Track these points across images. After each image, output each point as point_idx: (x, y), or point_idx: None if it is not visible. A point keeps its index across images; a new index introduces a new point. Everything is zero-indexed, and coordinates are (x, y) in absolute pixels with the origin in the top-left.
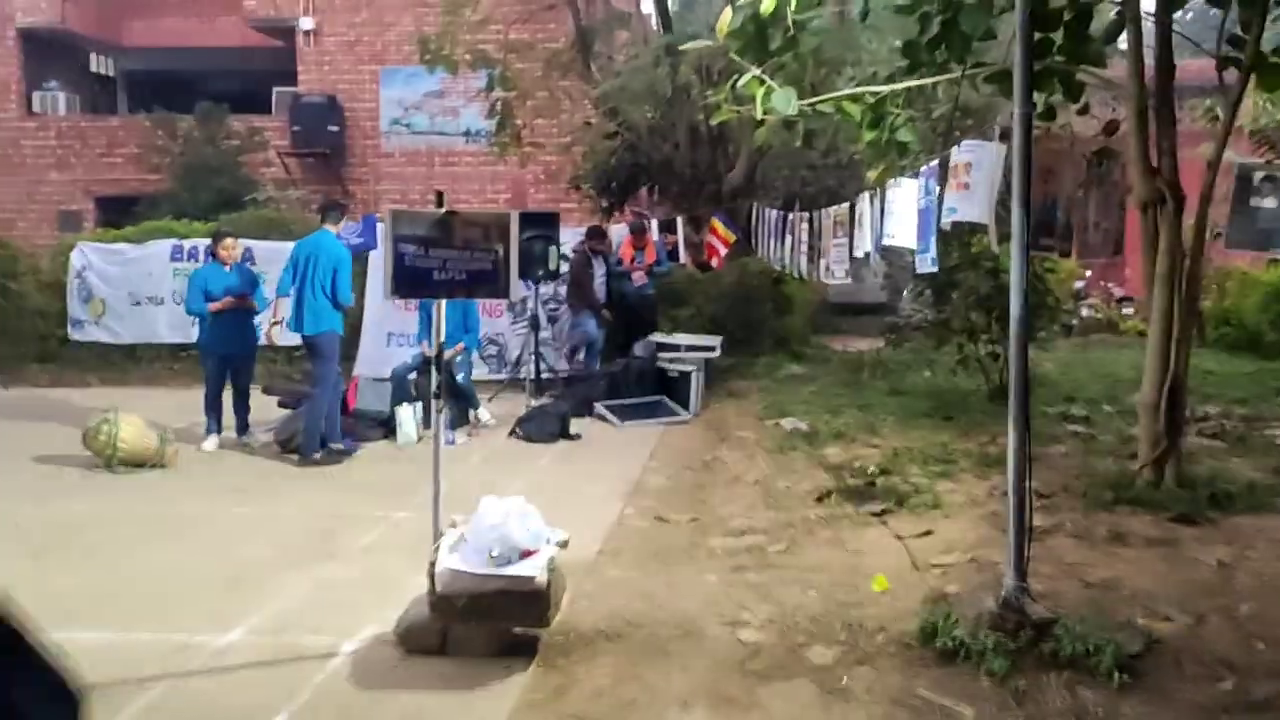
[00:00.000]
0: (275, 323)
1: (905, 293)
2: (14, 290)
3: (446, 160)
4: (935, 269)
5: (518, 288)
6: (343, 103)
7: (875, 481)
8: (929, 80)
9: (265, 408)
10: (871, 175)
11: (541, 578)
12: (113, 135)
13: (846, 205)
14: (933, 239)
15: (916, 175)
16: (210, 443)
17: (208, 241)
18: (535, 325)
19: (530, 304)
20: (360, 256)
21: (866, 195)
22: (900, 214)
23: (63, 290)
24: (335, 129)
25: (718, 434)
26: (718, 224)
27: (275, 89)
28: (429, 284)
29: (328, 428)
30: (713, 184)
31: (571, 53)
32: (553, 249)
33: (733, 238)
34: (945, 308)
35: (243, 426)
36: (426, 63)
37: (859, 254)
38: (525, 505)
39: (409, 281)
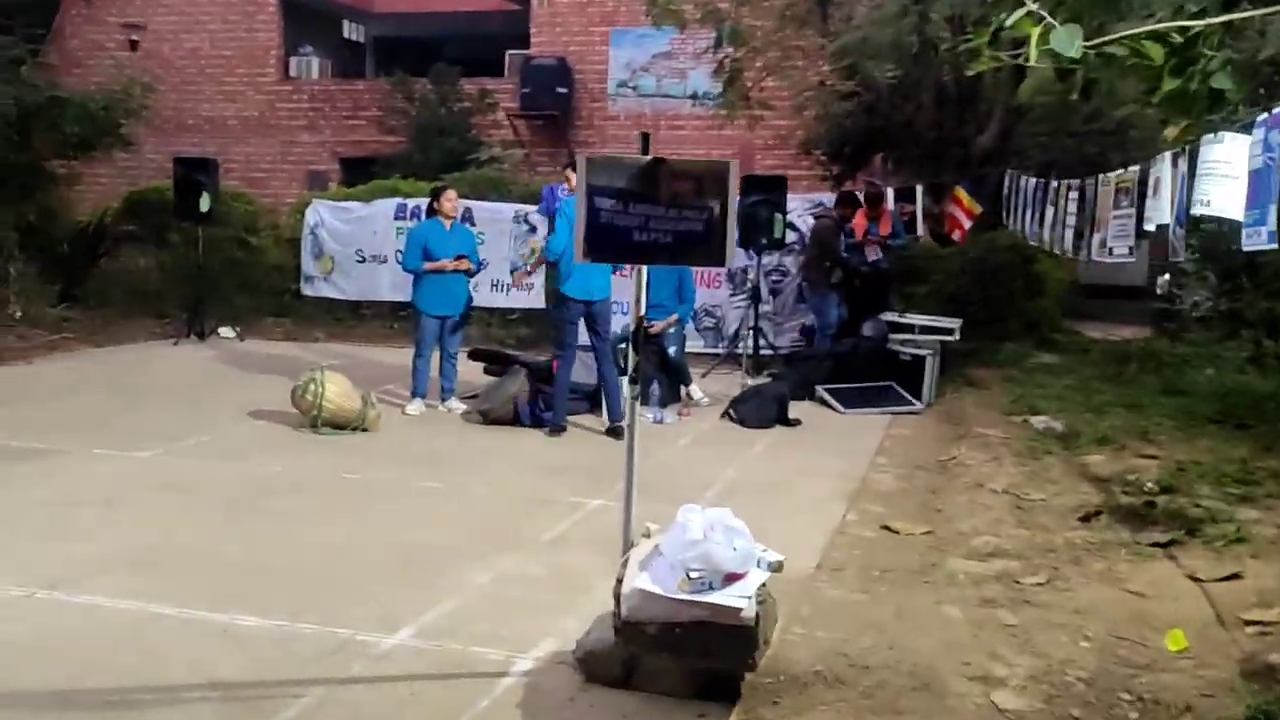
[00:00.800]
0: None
1: (1164, 276)
2: (254, 245)
3: (672, 123)
4: (1273, 244)
5: (734, 254)
6: (572, 64)
7: (1155, 501)
8: (1259, 12)
9: (471, 372)
10: (1170, 133)
11: (749, 610)
12: (358, 98)
13: (1134, 169)
14: (1272, 207)
15: (1249, 128)
16: (414, 406)
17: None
18: (756, 298)
19: (751, 274)
20: None
21: (1166, 156)
22: (1223, 176)
23: (298, 246)
24: (564, 91)
25: (955, 429)
26: (962, 194)
27: (508, 52)
28: (627, 246)
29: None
30: (958, 149)
31: (809, 3)
32: (778, 216)
33: (978, 209)
34: (1239, 296)
35: (447, 391)
36: (654, 18)
37: (1149, 227)
38: (732, 519)
39: (604, 242)
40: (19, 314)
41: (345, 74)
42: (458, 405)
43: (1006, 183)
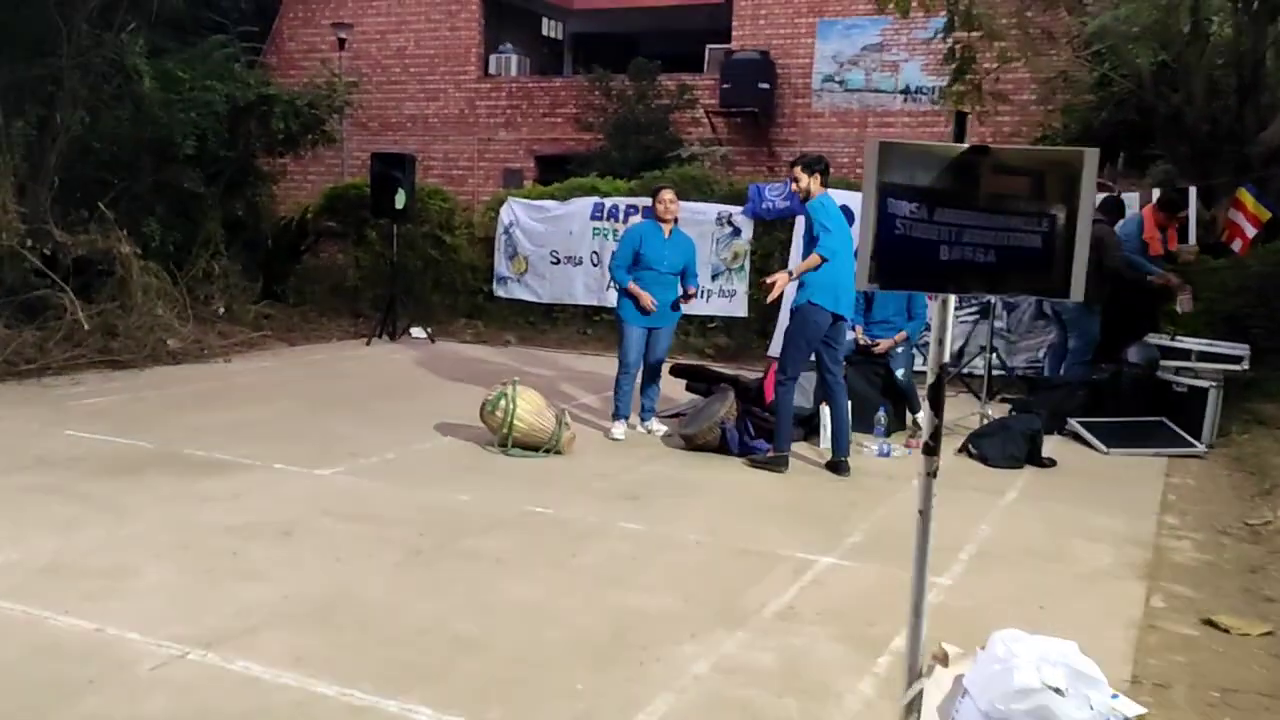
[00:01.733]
0: None
1: None
2: (448, 243)
3: (881, 120)
4: None
5: (1082, 281)
6: (775, 59)
7: None
8: None
9: (671, 387)
10: None
11: None
12: (555, 95)
13: None
14: None
15: None
16: (618, 429)
17: (629, 200)
18: (987, 312)
19: None
20: (787, 222)
21: None
22: None
23: (492, 245)
24: (765, 86)
25: (1255, 479)
26: (1246, 196)
27: (708, 46)
28: (931, 268)
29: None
30: (1233, 146)
31: None
32: None
33: (1265, 214)
34: None
35: (648, 411)
36: (878, 2)
37: None
38: (1078, 657)
39: (900, 262)
40: (222, 310)
41: (543, 71)
42: (658, 426)
43: None
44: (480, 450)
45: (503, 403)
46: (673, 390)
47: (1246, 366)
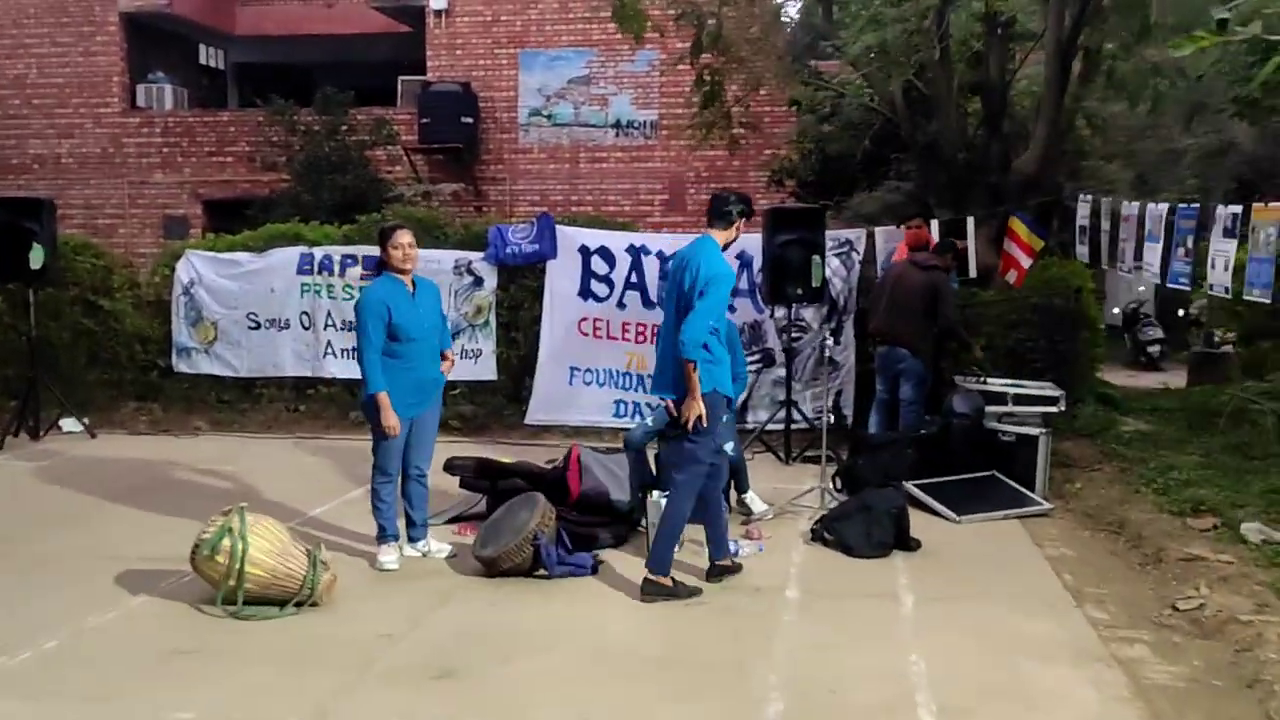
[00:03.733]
0: None
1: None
2: (107, 310)
3: (593, 156)
4: None
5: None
6: (477, 91)
7: None
8: None
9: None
10: None
11: None
12: (222, 131)
13: None
14: None
15: None
16: (389, 556)
17: (345, 249)
18: (771, 360)
19: (768, 330)
20: (535, 269)
21: None
22: None
23: (166, 310)
24: (468, 120)
25: (1126, 542)
26: (1019, 226)
27: (401, 78)
28: None
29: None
30: (990, 176)
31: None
32: (815, 260)
33: (1039, 244)
34: None
35: (419, 527)
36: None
37: None
38: None
39: None
40: None
41: (205, 104)
42: (439, 548)
43: (1084, 209)
44: (196, 615)
45: (226, 542)
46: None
47: (1063, 408)
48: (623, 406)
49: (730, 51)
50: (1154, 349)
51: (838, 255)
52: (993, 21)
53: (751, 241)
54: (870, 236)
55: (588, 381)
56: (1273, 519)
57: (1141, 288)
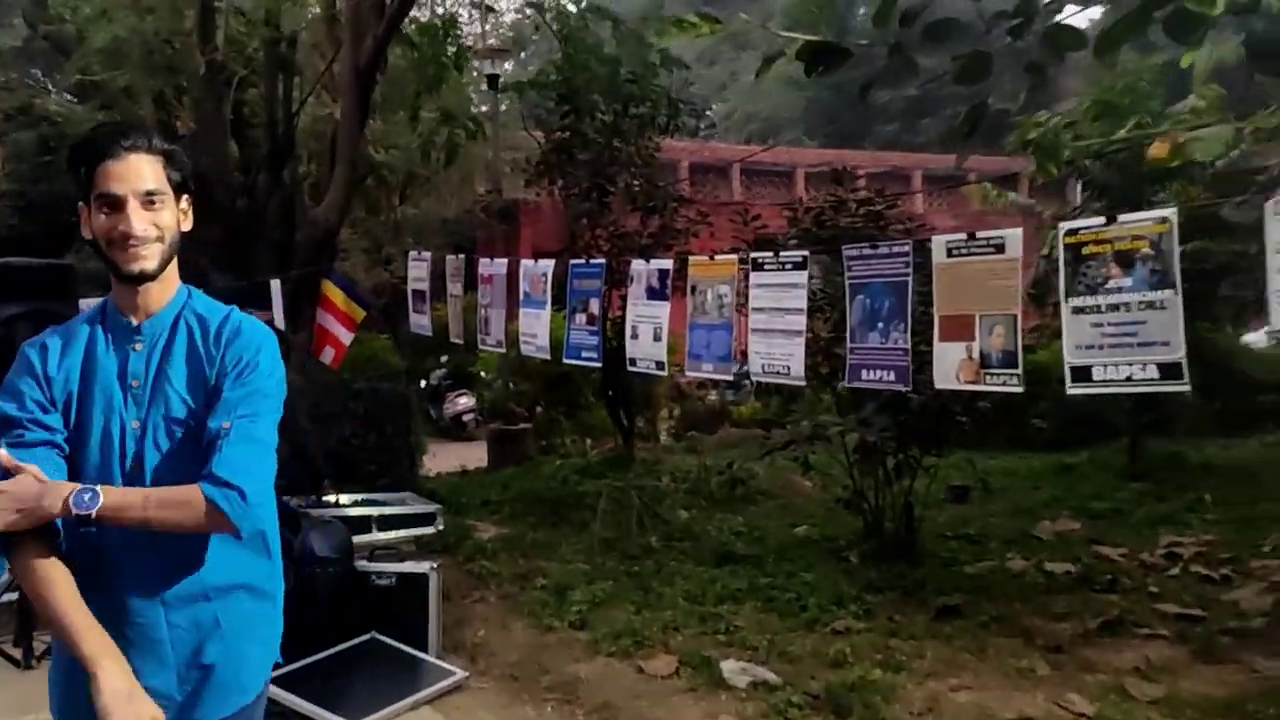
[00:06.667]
0: None
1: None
2: None
3: None
4: None
5: None
6: None
7: None
8: None
9: None
10: None
11: None
12: None
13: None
14: None
15: None
16: None
17: None
18: None
19: None
20: None
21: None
22: None
23: None
24: None
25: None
26: (335, 292)
27: None
28: None
29: None
30: (278, 229)
31: None
32: None
33: (360, 314)
34: None
35: None
36: None
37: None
38: None
39: None
40: None
41: None
42: None
43: (418, 268)
44: None
45: None
46: None
47: (441, 526)
48: None
49: None
50: (468, 418)
51: None
52: (273, 37)
53: None
54: None
55: None
56: (723, 643)
57: (445, 356)
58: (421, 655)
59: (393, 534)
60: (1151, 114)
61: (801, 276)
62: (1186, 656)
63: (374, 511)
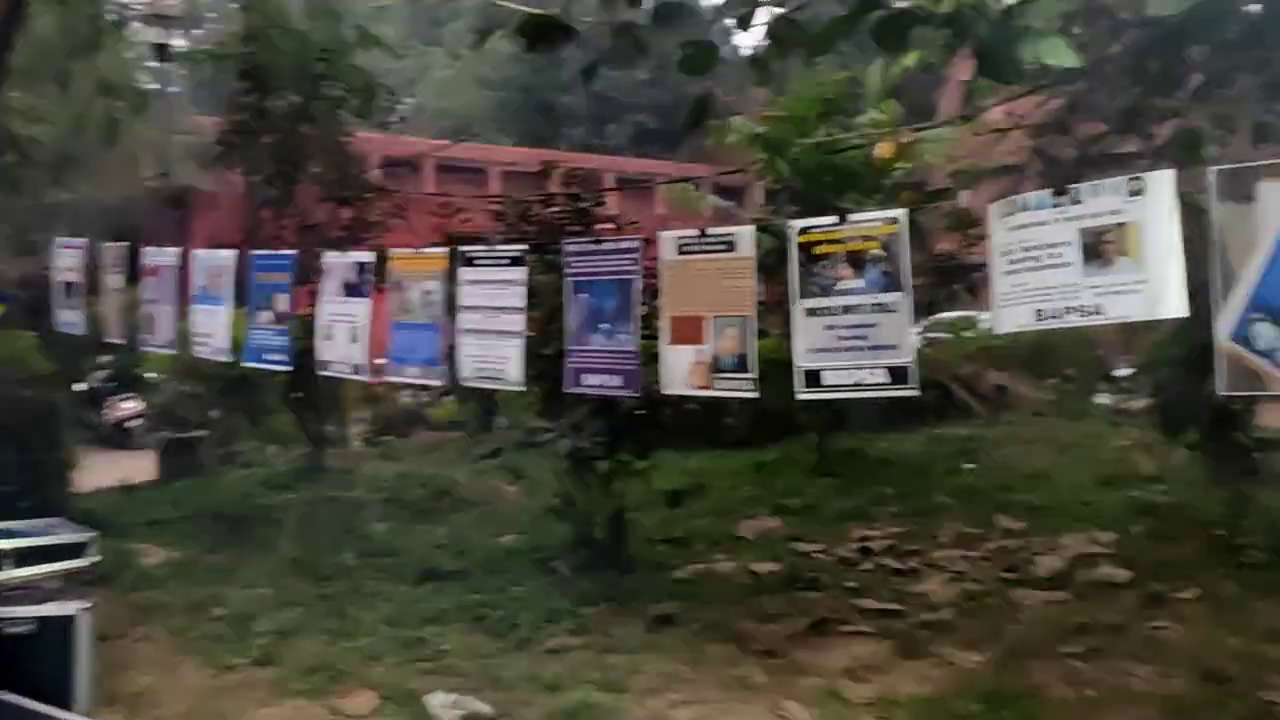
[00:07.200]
0: None
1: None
2: None
3: None
4: None
5: None
6: None
7: None
8: None
9: None
10: None
11: None
12: None
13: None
14: None
15: None
16: None
17: None
18: None
19: None
20: None
21: None
22: None
23: None
24: None
25: None
26: None
27: None
28: None
29: None
30: None
31: None
32: None
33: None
34: None
35: None
36: None
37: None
38: None
39: None
40: None
41: None
42: None
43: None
44: None
45: None
46: None
47: (98, 556)
48: None
49: None
50: (135, 424)
51: None
52: None
53: None
54: None
55: None
56: (430, 671)
57: (109, 356)
58: (61, 715)
59: (32, 570)
60: (842, 126)
61: (519, 273)
62: (889, 652)
63: (6, 545)
